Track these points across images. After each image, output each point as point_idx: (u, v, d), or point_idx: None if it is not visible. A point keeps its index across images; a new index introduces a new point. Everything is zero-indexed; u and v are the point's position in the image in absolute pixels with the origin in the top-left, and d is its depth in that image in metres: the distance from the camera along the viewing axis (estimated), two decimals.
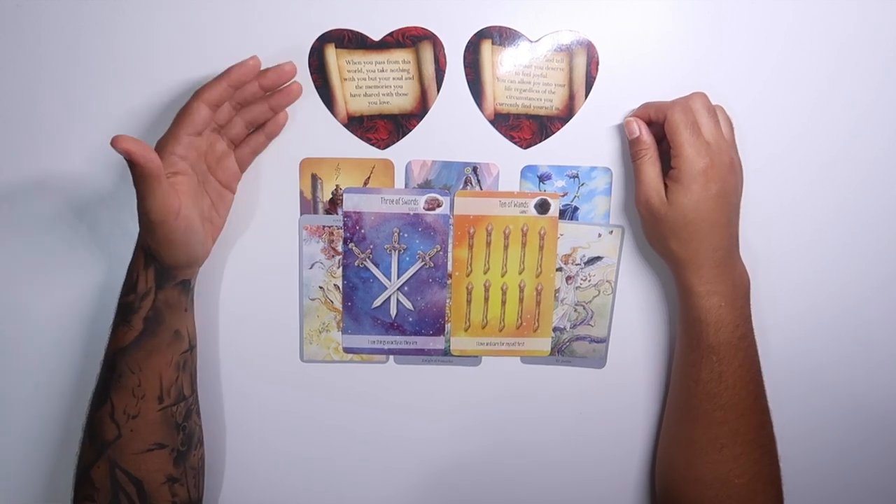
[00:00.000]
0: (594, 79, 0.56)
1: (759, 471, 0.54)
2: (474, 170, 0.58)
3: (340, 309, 0.60)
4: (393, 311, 0.60)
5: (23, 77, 0.55)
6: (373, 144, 0.57)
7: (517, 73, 0.56)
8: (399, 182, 0.58)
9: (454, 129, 0.57)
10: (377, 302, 0.60)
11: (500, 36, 0.55)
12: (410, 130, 0.57)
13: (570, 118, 0.57)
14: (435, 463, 0.63)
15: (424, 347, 0.61)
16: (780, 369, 0.60)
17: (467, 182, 0.58)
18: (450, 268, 0.60)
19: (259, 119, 0.54)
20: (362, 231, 0.59)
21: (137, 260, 0.51)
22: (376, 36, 0.55)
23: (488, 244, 0.59)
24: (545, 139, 0.57)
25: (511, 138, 0.57)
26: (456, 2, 0.54)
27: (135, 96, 0.55)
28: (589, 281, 0.60)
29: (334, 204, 0.58)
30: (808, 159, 0.58)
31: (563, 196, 0.59)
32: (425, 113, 0.56)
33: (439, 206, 0.58)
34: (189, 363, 0.54)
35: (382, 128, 0.57)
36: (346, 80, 0.55)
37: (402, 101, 0.56)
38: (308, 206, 0.58)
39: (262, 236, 0.59)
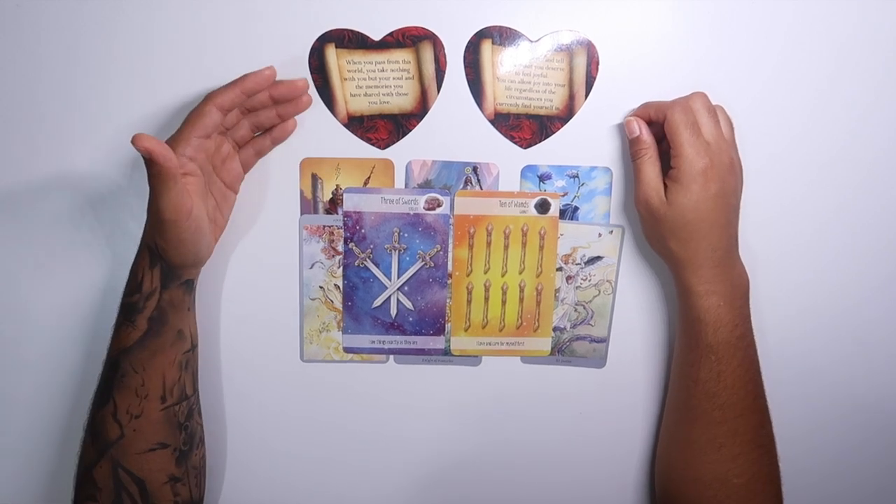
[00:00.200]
0: (594, 79, 0.56)
1: (758, 470, 0.54)
2: (474, 170, 0.58)
3: (340, 309, 0.60)
4: (393, 311, 0.60)
5: (23, 77, 0.55)
6: (373, 144, 0.57)
7: (517, 72, 0.56)
8: (399, 182, 0.58)
9: (454, 129, 0.57)
10: (377, 302, 0.60)
11: (500, 36, 0.55)
12: (410, 130, 0.57)
13: (570, 118, 0.57)
14: (435, 463, 0.63)
15: (424, 347, 0.61)
16: (779, 369, 0.60)
17: (467, 182, 0.58)
18: (450, 268, 0.60)
19: (265, 124, 0.54)
20: (362, 231, 0.59)
21: (142, 260, 0.51)
22: (376, 36, 0.55)
23: (488, 244, 0.59)
24: (545, 139, 0.57)
25: (511, 138, 0.57)
26: (456, 2, 0.54)
27: (135, 96, 0.55)
28: (589, 281, 0.60)
29: (334, 204, 0.58)
30: (808, 159, 0.58)
31: (563, 196, 0.59)
32: (425, 113, 0.56)
33: (439, 205, 0.58)
34: (191, 362, 0.54)
35: (382, 128, 0.57)
36: (346, 79, 0.55)
37: (402, 100, 0.56)
38: (308, 205, 0.58)
39: (262, 236, 0.59)
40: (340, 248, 0.59)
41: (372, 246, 0.59)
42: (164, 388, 0.52)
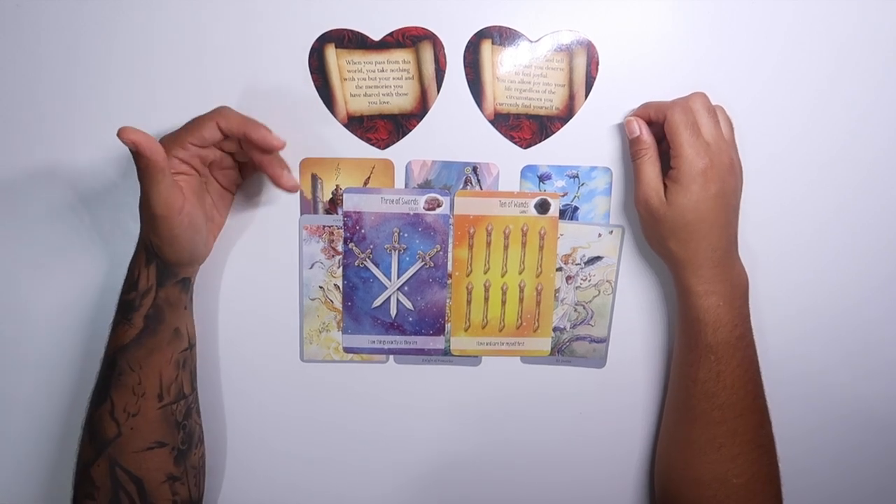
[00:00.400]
0: (594, 79, 0.56)
1: (758, 470, 0.54)
2: (474, 170, 0.58)
3: (340, 309, 0.60)
4: (393, 311, 0.60)
5: (23, 77, 0.55)
6: (373, 144, 0.57)
7: (517, 73, 0.56)
8: (399, 182, 0.58)
9: (454, 129, 0.57)
10: (377, 302, 0.60)
11: (500, 36, 0.55)
12: (410, 130, 0.57)
13: (570, 118, 0.57)
14: (435, 463, 0.63)
15: (424, 347, 0.61)
16: (779, 369, 0.60)
17: (467, 182, 0.58)
18: (450, 268, 0.60)
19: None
20: (362, 231, 0.59)
21: (139, 257, 0.51)
22: (376, 36, 0.55)
23: (488, 244, 0.59)
24: (545, 139, 0.57)
25: (511, 138, 0.57)
26: (456, 2, 0.54)
27: (135, 97, 0.55)
28: (589, 281, 0.60)
29: (334, 204, 0.58)
30: (808, 159, 0.58)
31: (563, 196, 0.59)
32: (425, 113, 0.56)
33: (439, 206, 0.58)
34: (189, 361, 0.54)
35: (382, 128, 0.57)
36: (346, 80, 0.55)
37: (402, 101, 0.56)
38: (308, 205, 0.58)
39: (262, 236, 0.59)
40: (340, 248, 0.59)
41: (372, 246, 0.59)
42: (161, 386, 0.52)
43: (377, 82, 0.56)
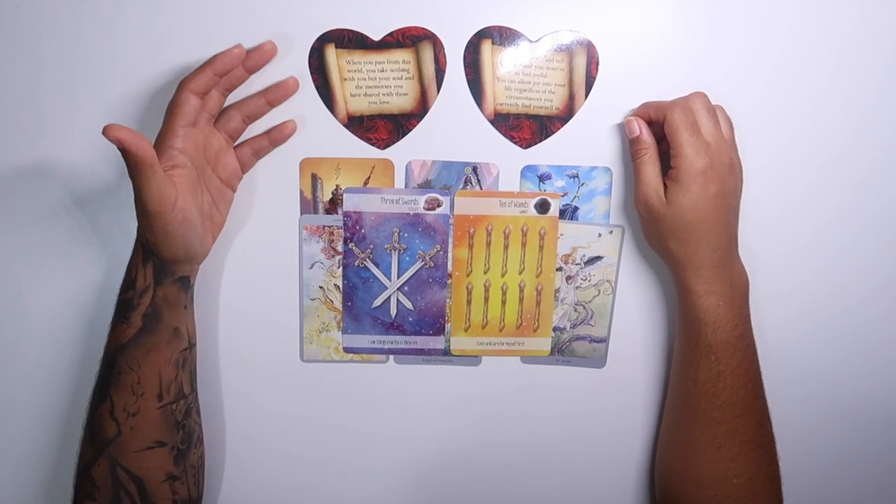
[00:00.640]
0: (594, 79, 0.56)
1: (758, 470, 0.54)
2: (474, 170, 0.58)
3: (340, 309, 0.60)
4: (393, 311, 0.60)
5: (23, 77, 0.55)
6: (373, 144, 0.57)
7: (517, 73, 0.56)
8: (399, 182, 0.58)
9: (454, 129, 0.57)
10: (377, 302, 0.60)
11: (500, 36, 0.55)
12: (410, 130, 0.57)
13: (570, 118, 0.57)
14: (435, 462, 0.63)
15: (424, 347, 0.61)
16: (779, 369, 0.60)
17: (467, 182, 0.58)
18: (450, 268, 0.60)
19: (256, 113, 0.54)
20: (362, 231, 0.59)
21: (136, 256, 0.51)
22: (376, 36, 0.55)
23: (488, 244, 0.59)
24: (545, 139, 0.57)
25: (511, 138, 0.57)
26: (456, 2, 0.54)
27: (135, 97, 0.55)
28: (589, 281, 0.60)
29: (334, 204, 0.58)
30: (808, 159, 0.58)
31: (563, 196, 0.59)
32: (425, 113, 0.56)
33: (439, 205, 0.58)
34: (188, 361, 0.54)
35: (382, 128, 0.57)
36: (346, 80, 0.55)
37: (402, 101, 0.56)
38: (308, 205, 0.58)
39: (262, 236, 0.59)
40: (340, 248, 0.59)
41: (372, 246, 0.59)
42: (161, 385, 0.52)
43: (377, 82, 0.56)
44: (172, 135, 0.50)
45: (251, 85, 0.55)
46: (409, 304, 0.60)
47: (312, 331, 0.60)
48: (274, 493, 0.63)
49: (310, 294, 0.60)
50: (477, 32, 0.55)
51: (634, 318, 0.61)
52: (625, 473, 0.64)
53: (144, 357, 0.51)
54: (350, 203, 0.58)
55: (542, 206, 0.59)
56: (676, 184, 0.52)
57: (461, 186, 0.58)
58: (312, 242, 0.59)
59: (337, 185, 0.58)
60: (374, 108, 0.56)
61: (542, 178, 0.58)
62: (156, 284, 0.51)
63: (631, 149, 0.55)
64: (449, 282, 0.60)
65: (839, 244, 0.60)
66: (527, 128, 0.57)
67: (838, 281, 0.61)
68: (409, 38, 0.55)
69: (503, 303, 0.60)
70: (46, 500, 0.62)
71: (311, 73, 0.55)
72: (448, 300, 0.60)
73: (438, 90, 0.56)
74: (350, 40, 0.55)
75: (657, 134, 0.54)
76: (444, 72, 0.55)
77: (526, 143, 0.57)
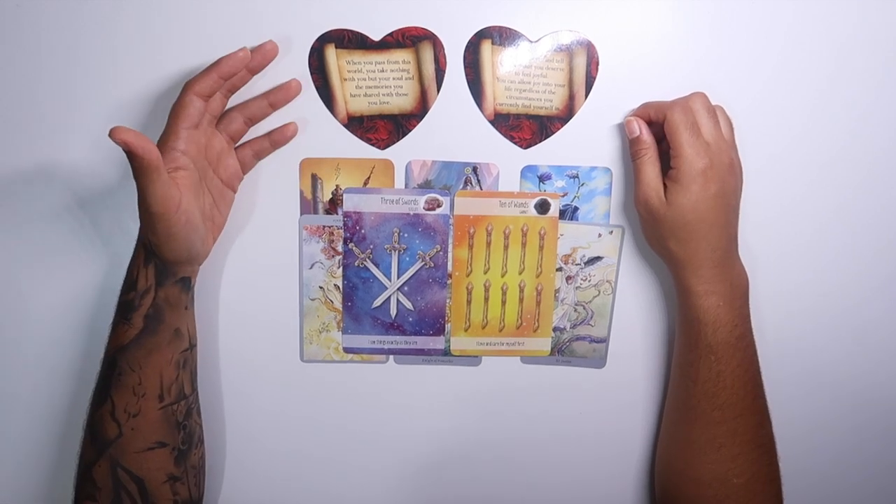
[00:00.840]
0: (594, 79, 0.56)
1: (758, 470, 0.54)
2: (474, 170, 0.58)
3: (340, 309, 0.60)
4: (393, 311, 0.60)
5: (23, 77, 0.55)
6: (373, 144, 0.57)
7: (517, 73, 0.56)
8: (399, 182, 0.58)
9: (454, 129, 0.57)
10: (377, 302, 0.60)
11: (500, 36, 0.55)
12: (410, 130, 0.57)
13: (570, 118, 0.57)
14: (435, 462, 0.63)
15: (424, 347, 0.61)
16: (779, 369, 0.60)
17: (467, 182, 0.58)
18: (450, 268, 0.60)
19: (258, 115, 0.54)
20: (362, 231, 0.59)
21: (138, 257, 0.51)
22: (376, 36, 0.55)
23: (488, 244, 0.59)
24: (545, 139, 0.57)
25: (511, 138, 0.57)
26: (456, 2, 0.54)
27: (135, 97, 0.55)
28: (589, 281, 0.60)
29: (334, 204, 0.58)
30: (808, 159, 0.58)
31: (563, 196, 0.59)
32: (425, 113, 0.56)
33: (439, 206, 0.58)
34: (189, 362, 0.54)
35: (382, 128, 0.57)
36: (346, 80, 0.55)
37: (402, 101, 0.56)
38: (308, 206, 0.58)
39: (262, 236, 0.59)
40: (340, 248, 0.59)
41: (372, 246, 0.59)
42: (162, 386, 0.52)
43: (377, 82, 0.56)
44: (175, 137, 0.50)
45: (252, 86, 0.55)
46: (409, 305, 0.60)
47: (312, 331, 0.60)
48: (274, 493, 0.63)
49: (310, 294, 0.60)
50: (477, 32, 0.55)
51: (634, 318, 0.61)
52: (625, 473, 0.64)
53: (146, 358, 0.51)
54: (350, 203, 0.58)
55: (542, 207, 0.59)
56: (676, 184, 0.52)
57: (461, 186, 0.58)
58: (312, 242, 0.59)
59: (337, 186, 0.58)
60: (374, 108, 0.56)
61: (542, 179, 0.58)
62: (157, 285, 0.51)
63: (631, 149, 0.55)
64: (449, 282, 0.60)
65: (839, 244, 0.60)
66: (527, 128, 0.57)
67: (838, 281, 0.61)
68: (409, 39, 0.55)
69: (503, 303, 0.60)
70: (47, 501, 0.62)
71: (311, 74, 0.55)
72: (448, 300, 0.60)
73: (438, 90, 0.56)
74: (350, 40, 0.55)
75: (657, 134, 0.54)
76: (444, 72, 0.55)
77: (526, 144, 0.57)
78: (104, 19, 0.54)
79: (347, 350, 0.61)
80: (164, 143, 0.50)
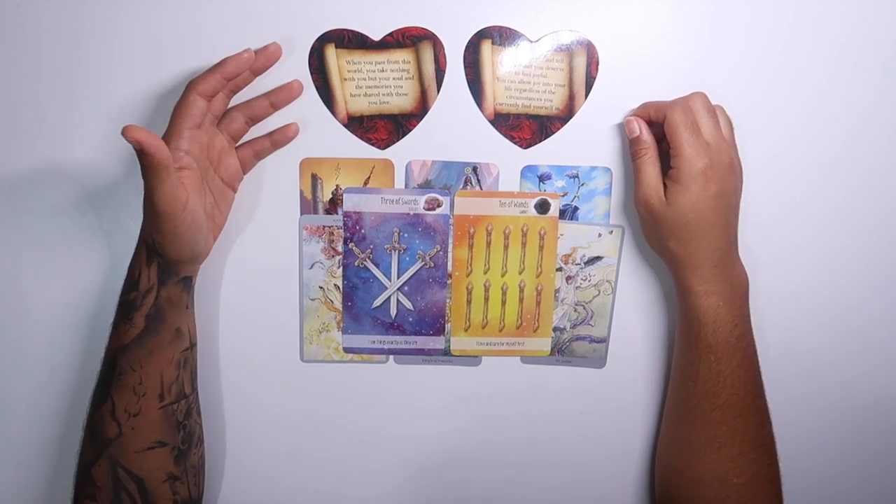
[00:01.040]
0: (594, 79, 0.56)
1: (758, 470, 0.54)
2: (474, 170, 0.58)
3: (340, 309, 0.60)
4: (393, 311, 0.60)
5: (23, 77, 0.55)
6: (373, 144, 0.57)
7: (517, 73, 0.56)
8: (399, 182, 0.58)
9: (454, 129, 0.57)
10: (377, 302, 0.60)
11: (500, 36, 0.55)
12: (410, 130, 0.57)
13: (570, 118, 0.57)
14: (435, 462, 0.63)
15: (424, 347, 0.61)
16: (779, 369, 0.60)
17: (467, 182, 0.58)
18: (450, 268, 0.60)
19: (259, 115, 0.54)
20: (362, 231, 0.59)
21: (139, 256, 0.51)
22: (376, 36, 0.55)
23: (488, 244, 0.59)
24: (545, 139, 0.57)
25: (511, 138, 0.57)
26: (456, 2, 0.54)
27: (135, 97, 0.55)
28: (589, 281, 0.60)
29: (334, 204, 0.58)
30: (808, 159, 0.58)
31: (563, 196, 0.59)
32: (425, 113, 0.56)
33: (439, 206, 0.58)
34: (189, 361, 0.54)
35: (382, 128, 0.57)
36: (346, 80, 0.55)
37: (402, 101, 0.56)
38: (308, 206, 0.58)
39: (262, 236, 0.59)
40: (340, 248, 0.59)
41: (372, 246, 0.59)
42: (162, 386, 0.52)
43: (377, 82, 0.56)
44: (179, 136, 0.50)
45: (253, 86, 0.55)
46: (409, 305, 0.60)
47: (312, 331, 0.60)
48: (274, 492, 0.63)
49: (310, 294, 0.60)
50: (477, 32, 0.55)
51: (634, 318, 0.61)
52: (625, 473, 0.64)
53: (147, 358, 0.51)
54: (350, 203, 0.58)
55: (542, 207, 0.59)
56: (676, 184, 0.52)
57: (461, 186, 0.58)
58: (312, 242, 0.59)
59: (337, 185, 0.58)
60: (374, 108, 0.56)
61: (542, 178, 0.58)
62: (159, 285, 0.51)
63: (631, 149, 0.55)
64: (449, 282, 0.60)
65: (839, 244, 0.60)
66: (527, 128, 0.57)
67: (838, 281, 0.61)
68: (409, 38, 0.55)
69: (503, 303, 0.60)
70: (47, 501, 0.62)
71: (311, 73, 0.55)
72: (448, 300, 0.60)
73: (438, 90, 0.56)
74: (350, 40, 0.55)
75: (657, 134, 0.54)
76: (444, 72, 0.55)
77: (526, 143, 0.57)
78: (104, 19, 0.54)
79: (347, 350, 0.61)
80: (167, 143, 0.50)
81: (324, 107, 0.56)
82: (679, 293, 0.56)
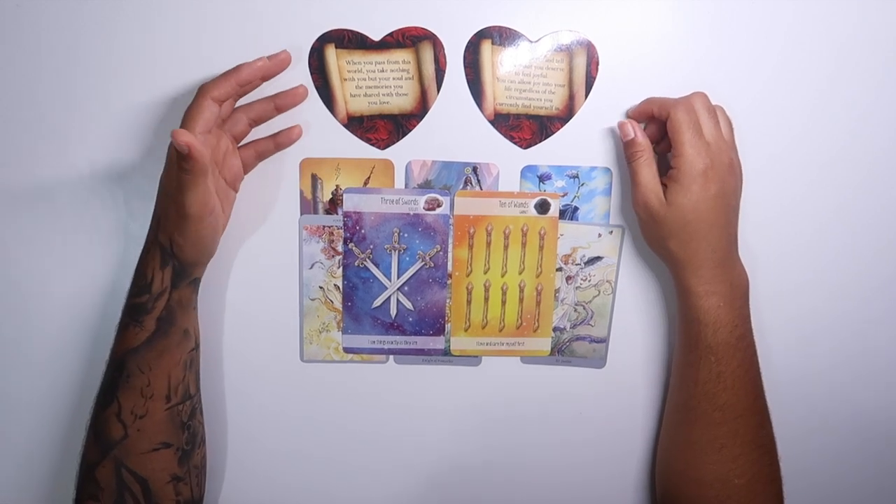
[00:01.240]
0: (594, 79, 0.56)
1: (759, 470, 0.54)
2: (474, 170, 0.58)
3: (340, 309, 0.60)
4: (393, 311, 0.60)
5: (23, 77, 0.55)
6: (373, 144, 0.57)
7: (517, 73, 0.56)
8: (399, 182, 0.58)
9: (454, 129, 0.57)
10: (377, 302, 0.60)
11: (500, 36, 0.55)
12: (410, 130, 0.57)
13: (570, 118, 0.57)
14: (435, 463, 0.63)
15: (424, 347, 0.61)
16: (779, 369, 0.60)
17: (467, 182, 0.58)
18: (450, 268, 0.60)
19: (263, 117, 0.55)
20: (362, 231, 0.59)
21: (152, 260, 0.51)
22: (376, 36, 0.55)
23: (488, 244, 0.59)
24: (545, 139, 0.57)
25: (511, 138, 0.57)
26: (456, 2, 0.54)
27: (135, 97, 0.55)
28: (589, 281, 0.60)
29: (334, 204, 0.58)
30: (808, 159, 0.58)
31: (563, 196, 0.59)
32: (425, 113, 0.56)
33: (439, 206, 0.58)
34: (195, 362, 0.55)
35: (382, 128, 0.57)
36: (346, 80, 0.55)
37: (402, 101, 0.56)
38: (308, 206, 0.58)
39: (262, 236, 0.59)
40: (340, 248, 0.59)
41: (372, 246, 0.59)
42: (170, 387, 0.52)
43: (377, 82, 0.56)
44: None
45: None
46: (409, 305, 0.60)
47: (312, 331, 0.60)
48: (274, 492, 0.63)
49: (310, 294, 0.60)
50: (477, 32, 0.55)
51: (634, 318, 0.61)
52: (625, 473, 0.64)
53: (156, 360, 0.51)
54: (350, 203, 0.58)
55: (542, 207, 0.59)
56: (677, 184, 0.52)
57: (461, 186, 0.58)
58: (312, 242, 0.59)
59: (337, 186, 0.58)
60: (374, 108, 0.56)
61: (542, 179, 0.58)
62: (172, 288, 0.51)
63: (626, 151, 0.55)
64: (449, 282, 0.60)
65: (839, 244, 0.60)
66: (527, 128, 0.57)
67: (838, 281, 0.61)
68: (409, 39, 0.55)
69: (503, 303, 0.60)
70: (48, 501, 0.62)
71: (311, 74, 0.55)
72: (448, 300, 0.60)
73: (438, 90, 0.56)
74: (350, 40, 0.55)
75: (653, 135, 0.54)
76: (444, 72, 0.55)
77: (526, 144, 0.57)
78: (104, 19, 0.54)
79: (347, 350, 0.61)
80: None
81: (324, 107, 0.56)
82: (679, 293, 0.56)
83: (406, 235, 0.59)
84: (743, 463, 0.54)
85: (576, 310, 0.61)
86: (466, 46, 0.55)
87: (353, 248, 0.59)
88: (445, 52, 0.55)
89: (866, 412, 0.63)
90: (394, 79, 0.56)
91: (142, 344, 0.51)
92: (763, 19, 0.55)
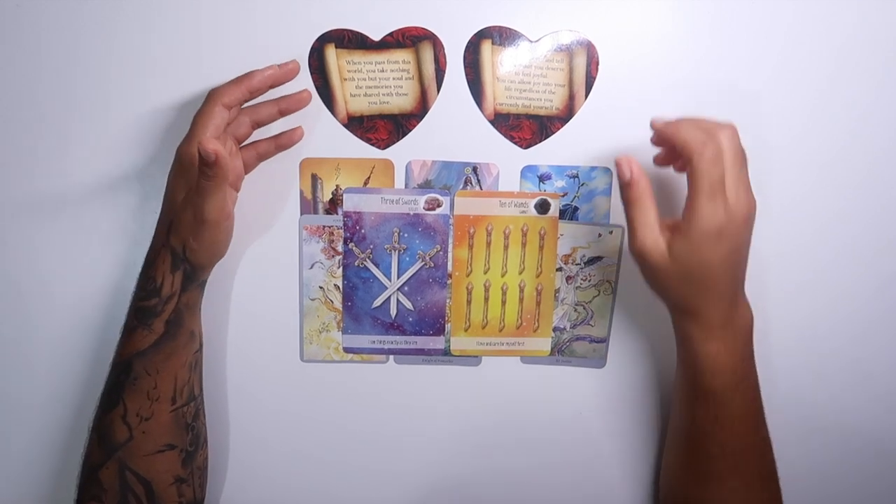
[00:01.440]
0: (594, 79, 0.56)
1: (760, 497, 0.53)
2: (474, 170, 0.58)
3: (340, 309, 0.60)
4: (393, 311, 0.60)
5: (23, 77, 0.55)
6: (373, 144, 0.57)
7: (517, 73, 0.56)
8: (399, 182, 0.58)
9: (454, 129, 0.57)
10: (377, 302, 0.60)
11: (500, 36, 0.55)
12: (410, 130, 0.57)
13: (570, 118, 0.57)
14: (435, 463, 0.63)
15: (424, 347, 0.61)
16: (778, 370, 0.60)
17: (467, 182, 0.58)
18: (450, 268, 0.60)
19: (265, 120, 0.55)
20: (362, 231, 0.59)
21: (162, 263, 0.51)
22: (376, 36, 0.55)
23: (488, 244, 0.59)
24: (545, 139, 0.57)
25: (511, 138, 0.57)
26: (456, 2, 0.54)
27: (135, 97, 0.55)
28: (589, 281, 0.60)
29: (334, 204, 0.58)
30: (808, 159, 0.58)
31: (563, 196, 0.59)
32: (425, 113, 0.56)
33: (439, 206, 0.58)
34: (199, 363, 0.55)
35: (382, 128, 0.57)
36: (346, 80, 0.55)
37: (402, 101, 0.56)
38: (308, 206, 0.58)
39: (262, 236, 0.59)
40: (340, 248, 0.59)
41: (372, 246, 0.59)
42: (176, 389, 0.52)
43: (377, 82, 0.56)
44: None
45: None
46: (409, 305, 0.60)
47: (312, 331, 0.60)
48: (274, 492, 0.63)
49: (310, 294, 0.60)
50: (477, 32, 0.55)
51: (634, 318, 0.61)
52: (625, 473, 0.64)
53: (164, 362, 0.51)
54: (350, 203, 0.58)
55: (542, 207, 0.59)
56: (685, 239, 0.46)
57: (461, 186, 0.58)
58: (312, 242, 0.59)
59: (337, 185, 0.58)
60: (374, 108, 0.56)
61: (542, 179, 0.58)
62: (182, 291, 0.51)
63: (622, 194, 0.49)
64: (449, 282, 0.60)
65: (839, 244, 0.60)
66: (527, 128, 0.57)
67: (838, 281, 0.61)
68: (409, 38, 0.55)
69: (503, 303, 0.60)
70: (50, 501, 0.62)
71: (311, 74, 0.55)
72: (448, 300, 0.60)
73: (438, 90, 0.56)
74: (350, 40, 0.55)
75: (672, 155, 0.52)
76: (444, 72, 0.55)
77: (526, 143, 0.57)
78: (104, 19, 0.54)
79: (347, 350, 0.61)
80: (191, 152, 0.50)
81: (324, 107, 0.56)
82: (678, 336, 0.53)
83: (406, 235, 0.59)
84: (743, 494, 0.52)
85: (576, 310, 0.61)
86: (466, 46, 0.55)
87: (353, 248, 0.59)
88: (445, 51, 0.55)
89: (866, 412, 0.63)
90: (394, 79, 0.56)
91: (149, 347, 0.51)
92: (763, 19, 0.55)
